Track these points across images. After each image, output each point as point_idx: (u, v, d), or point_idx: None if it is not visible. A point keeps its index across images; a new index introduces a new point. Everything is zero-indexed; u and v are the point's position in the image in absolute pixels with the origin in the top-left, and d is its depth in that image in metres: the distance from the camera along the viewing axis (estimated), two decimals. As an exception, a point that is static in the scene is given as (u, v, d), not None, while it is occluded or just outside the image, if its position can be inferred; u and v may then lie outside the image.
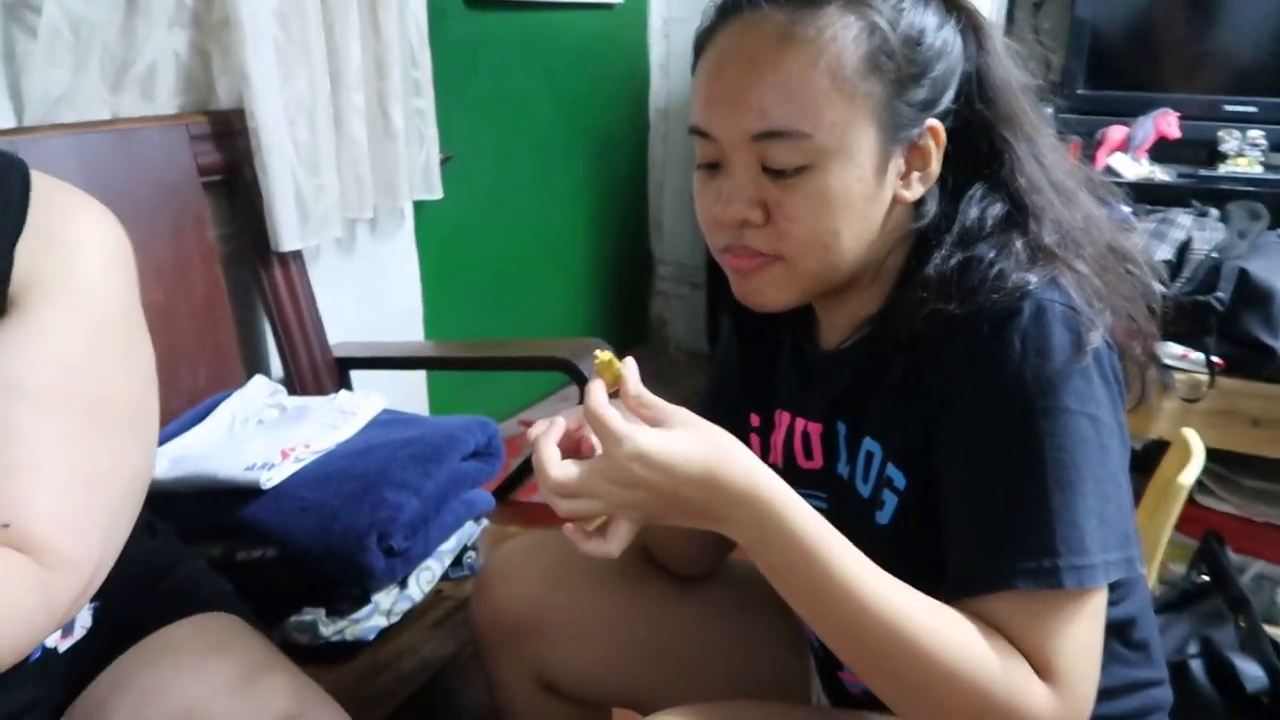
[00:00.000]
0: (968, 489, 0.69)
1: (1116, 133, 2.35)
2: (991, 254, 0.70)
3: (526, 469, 1.72)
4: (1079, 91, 2.45)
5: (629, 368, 0.69)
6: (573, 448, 0.72)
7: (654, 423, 0.66)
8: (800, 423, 0.84)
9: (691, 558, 0.97)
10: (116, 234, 0.78)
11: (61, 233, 0.74)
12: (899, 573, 0.67)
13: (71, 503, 0.67)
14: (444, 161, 1.87)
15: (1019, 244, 0.71)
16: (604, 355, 0.69)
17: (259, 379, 1.36)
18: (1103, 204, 0.79)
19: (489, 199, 2.29)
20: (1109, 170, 2.24)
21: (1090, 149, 2.29)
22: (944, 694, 0.64)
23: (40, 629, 0.65)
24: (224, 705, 0.74)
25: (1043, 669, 0.64)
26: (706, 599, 0.99)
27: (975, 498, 0.68)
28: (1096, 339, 0.67)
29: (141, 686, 0.76)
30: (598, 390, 0.67)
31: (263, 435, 1.20)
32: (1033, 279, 0.68)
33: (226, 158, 1.44)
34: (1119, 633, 0.77)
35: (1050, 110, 0.81)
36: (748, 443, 0.91)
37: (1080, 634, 0.66)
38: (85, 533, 0.67)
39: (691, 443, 0.65)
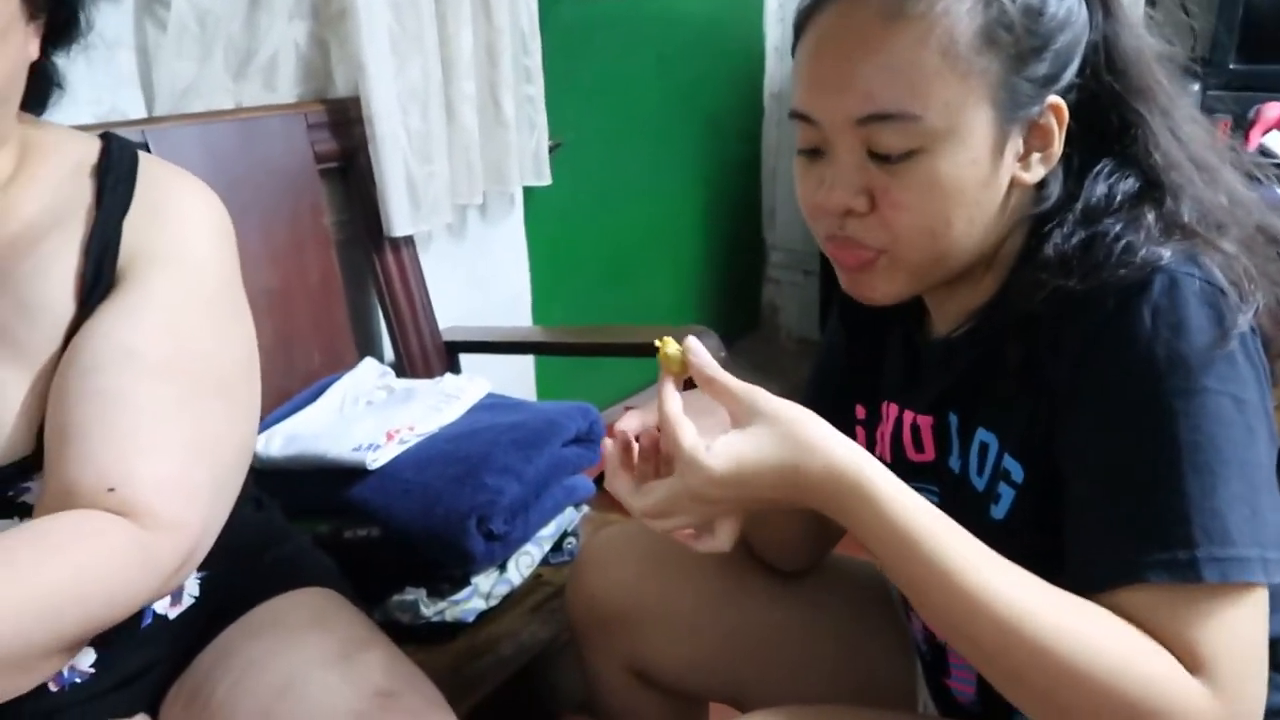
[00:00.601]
0: (1092, 477, 0.63)
1: (1272, 109, 2.16)
2: (1118, 228, 0.64)
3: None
4: (1230, 65, 2.27)
5: (696, 354, 0.66)
6: (652, 445, 0.70)
7: (730, 414, 0.64)
8: (909, 415, 0.80)
9: (792, 552, 0.94)
10: (219, 210, 0.80)
11: (167, 208, 0.77)
12: None
13: (178, 468, 0.69)
14: (553, 148, 1.88)
15: (1151, 217, 0.65)
16: (665, 347, 0.67)
17: (369, 361, 1.39)
18: (1252, 183, 0.72)
19: (598, 185, 2.29)
20: (1263, 150, 2.07)
21: (1242, 128, 2.12)
22: (1073, 697, 0.58)
23: (144, 589, 0.67)
24: (321, 679, 0.75)
25: (1192, 664, 0.57)
26: (807, 594, 0.96)
27: (1100, 486, 0.62)
28: (1243, 322, 0.61)
29: (244, 659, 0.78)
30: (670, 400, 0.65)
31: (371, 416, 1.23)
32: (1166, 253, 0.62)
33: (342, 145, 1.48)
34: None
35: (1197, 86, 0.75)
36: (852, 435, 0.88)
37: (1237, 625, 0.58)
38: (191, 497, 0.69)
39: (765, 444, 0.62)
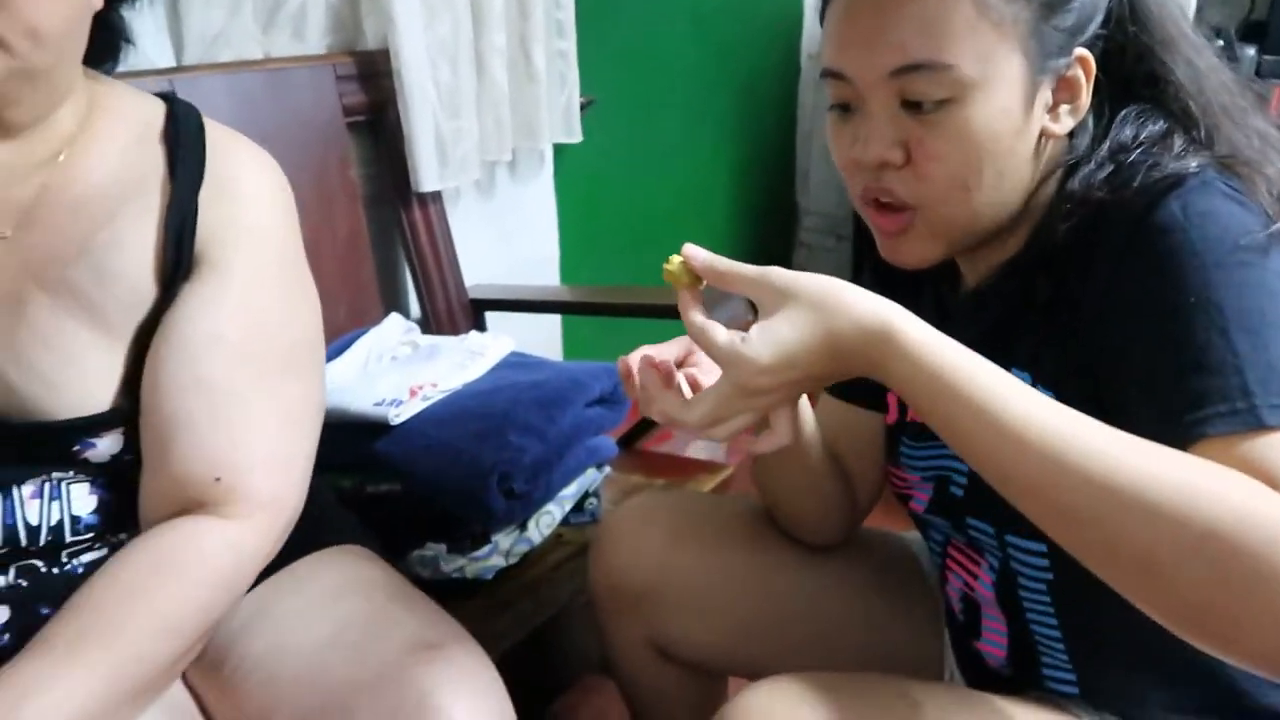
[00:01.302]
0: (1137, 364, 0.61)
1: (1329, 76, 2.09)
2: (1140, 151, 0.65)
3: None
4: (1287, 31, 2.19)
5: (695, 257, 0.66)
6: (667, 376, 0.71)
7: (756, 303, 0.64)
8: None
9: (818, 525, 0.93)
10: (281, 180, 0.81)
11: (238, 186, 0.78)
12: None
13: (273, 448, 0.73)
14: (585, 105, 1.85)
15: (1179, 142, 0.65)
16: (670, 265, 0.66)
17: (394, 317, 1.38)
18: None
19: (630, 144, 2.26)
20: (1317, 119, 2.00)
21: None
22: (1140, 528, 0.52)
23: (245, 578, 0.72)
24: (364, 632, 0.75)
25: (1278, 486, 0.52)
26: (833, 569, 0.94)
27: (1147, 371, 0.60)
28: (1277, 232, 0.60)
29: (280, 617, 0.78)
30: (691, 310, 0.65)
31: (395, 372, 1.23)
32: (1194, 163, 0.62)
33: (371, 98, 1.46)
34: None
35: (1251, 51, 0.74)
36: (883, 399, 0.86)
37: None
38: (287, 473, 0.74)
39: (796, 319, 0.61)
